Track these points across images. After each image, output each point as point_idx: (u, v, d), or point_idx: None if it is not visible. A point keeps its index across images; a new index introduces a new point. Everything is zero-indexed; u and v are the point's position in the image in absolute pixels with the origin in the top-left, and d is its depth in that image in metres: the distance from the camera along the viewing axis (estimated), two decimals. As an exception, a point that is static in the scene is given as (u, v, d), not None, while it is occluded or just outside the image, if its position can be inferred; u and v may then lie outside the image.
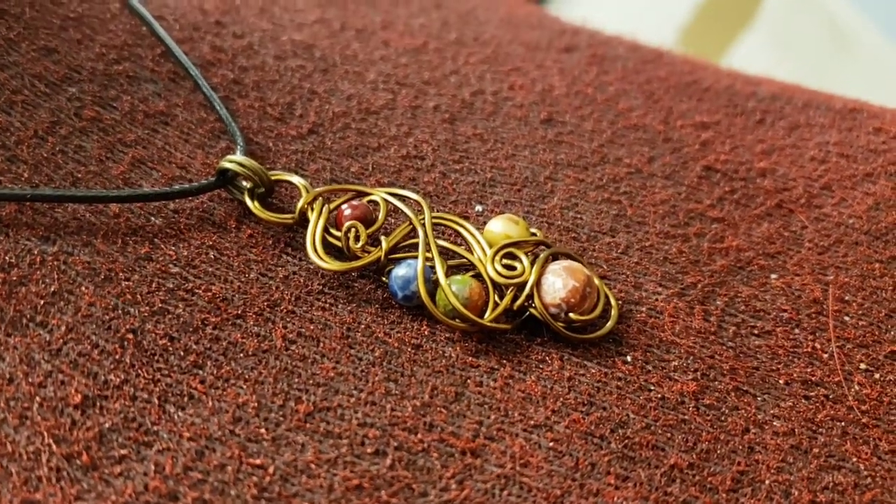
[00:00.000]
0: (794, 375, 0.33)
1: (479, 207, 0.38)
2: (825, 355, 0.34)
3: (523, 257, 0.33)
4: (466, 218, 0.37)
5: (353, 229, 0.33)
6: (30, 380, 0.28)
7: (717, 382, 0.32)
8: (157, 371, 0.29)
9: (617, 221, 0.37)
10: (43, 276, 0.31)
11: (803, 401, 0.32)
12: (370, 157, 0.39)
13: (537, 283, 0.32)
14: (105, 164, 0.35)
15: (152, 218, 0.34)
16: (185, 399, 0.28)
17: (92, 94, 0.37)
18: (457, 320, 0.31)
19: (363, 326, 0.32)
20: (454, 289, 0.31)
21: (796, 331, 0.34)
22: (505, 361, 0.31)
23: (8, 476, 0.26)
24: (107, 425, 0.27)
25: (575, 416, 0.30)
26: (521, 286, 0.32)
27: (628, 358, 0.32)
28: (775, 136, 0.43)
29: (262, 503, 0.26)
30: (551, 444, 0.29)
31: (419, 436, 0.29)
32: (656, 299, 0.34)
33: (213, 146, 0.37)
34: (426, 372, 0.31)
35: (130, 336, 0.30)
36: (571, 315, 0.32)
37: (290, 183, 0.35)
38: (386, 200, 0.34)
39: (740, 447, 0.30)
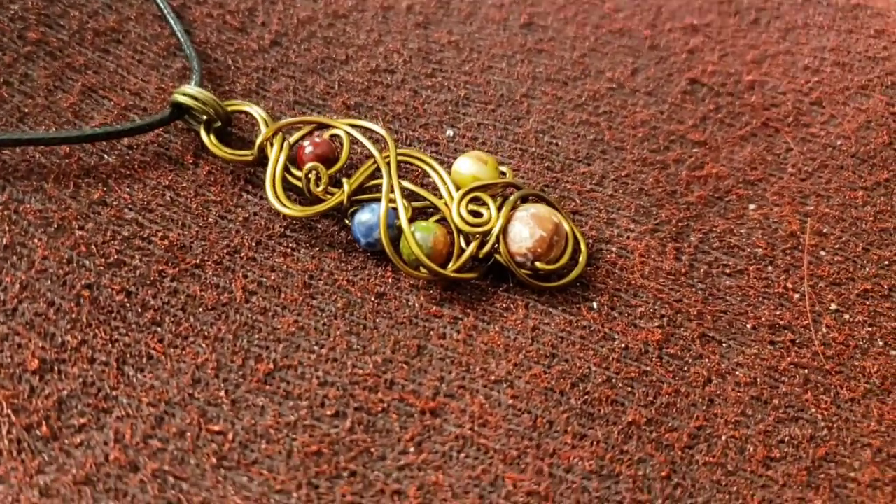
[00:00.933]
0: (763, 319, 0.32)
1: (450, 132, 0.36)
2: (796, 296, 0.33)
3: (490, 202, 0.32)
4: (437, 145, 0.36)
5: (313, 171, 0.32)
6: None
7: (682, 329, 0.32)
8: (114, 330, 0.29)
9: (594, 147, 0.36)
10: None
11: (769, 347, 0.32)
12: (336, 71, 0.37)
13: (504, 229, 0.31)
14: (54, 94, 0.33)
15: (105, 156, 0.32)
16: (144, 360, 0.28)
17: (36, 10, 0.34)
18: (421, 269, 0.31)
19: (326, 274, 0.31)
20: (418, 237, 0.31)
21: (769, 268, 0.34)
22: (469, 311, 0.31)
23: None
24: (65, 392, 0.27)
25: (536, 371, 0.30)
26: (488, 234, 0.31)
27: (594, 304, 0.32)
28: (769, 39, 0.41)
29: (222, 472, 0.27)
30: (511, 401, 0.29)
31: (379, 395, 0.29)
32: (628, 237, 0.34)
33: (168, 66, 0.35)
34: (389, 324, 0.30)
35: (86, 293, 0.29)
36: (537, 264, 0.31)
37: (249, 114, 0.34)
38: (349, 135, 0.33)
39: (700, 400, 0.30)
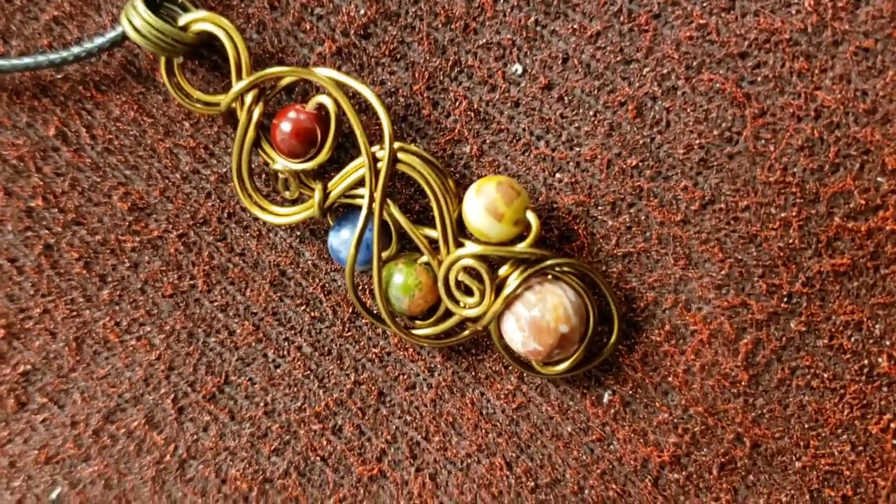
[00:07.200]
0: (823, 461, 0.25)
1: (516, 67, 0.25)
2: (894, 442, 0.25)
3: (487, 280, 0.24)
4: (492, 88, 0.25)
5: (282, 176, 0.24)
6: None
7: (703, 453, 0.25)
8: (73, 303, 0.27)
9: (720, 143, 0.24)
10: None
11: (806, 497, 0.25)
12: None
13: (500, 316, 0.24)
14: None
15: (65, 66, 0.26)
16: (101, 344, 0.27)
17: None
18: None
19: (300, 272, 0.27)
20: (394, 289, 0.25)
21: (884, 391, 0.25)
22: (450, 363, 0.26)
23: None
24: (30, 365, 0.28)
25: (498, 461, 0.26)
26: (475, 319, 0.24)
27: (605, 397, 0.26)
28: None
29: (158, 485, 0.28)
30: (456, 490, 0.27)
31: (323, 442, 0.27)
32: (697, 311, 0.25)
33: None
34: (356, 356, 0.27)
35: (45, 257, 0.27)
36: (533, 363, 0.25)
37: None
38: (338, 112, 0.24)
39: (675, 542, 0.26)
